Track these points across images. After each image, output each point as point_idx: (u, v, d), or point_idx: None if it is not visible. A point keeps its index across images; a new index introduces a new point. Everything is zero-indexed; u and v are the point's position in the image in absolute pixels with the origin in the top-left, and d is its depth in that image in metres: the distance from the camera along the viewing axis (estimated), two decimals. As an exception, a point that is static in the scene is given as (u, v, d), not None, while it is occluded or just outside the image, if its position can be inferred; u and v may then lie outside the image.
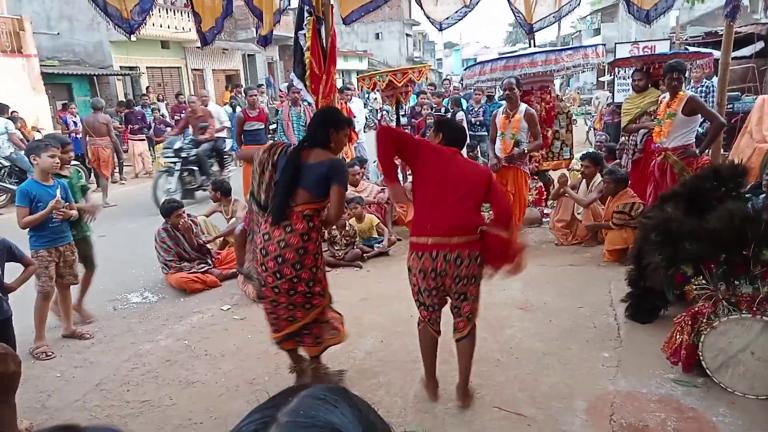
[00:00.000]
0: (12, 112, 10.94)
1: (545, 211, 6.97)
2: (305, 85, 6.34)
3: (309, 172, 2.98)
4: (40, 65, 14.07)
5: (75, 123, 11.36)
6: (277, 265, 2.96)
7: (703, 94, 8.05)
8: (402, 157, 3.09)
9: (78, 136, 11.32)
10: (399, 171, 7.42)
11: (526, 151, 5.81)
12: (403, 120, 9.32)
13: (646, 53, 10.01)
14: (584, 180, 6.29)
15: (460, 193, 2.85)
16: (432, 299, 2.93)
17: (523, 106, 5.75)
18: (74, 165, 10.75)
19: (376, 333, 4.11)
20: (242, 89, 10.81)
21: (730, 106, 8.39)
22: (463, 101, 11.15)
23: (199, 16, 4.51)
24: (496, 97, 9.78)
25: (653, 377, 3.25)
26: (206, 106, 9.70)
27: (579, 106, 20.66)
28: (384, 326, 4.20)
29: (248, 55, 23.18)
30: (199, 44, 5.28)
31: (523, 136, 5.77)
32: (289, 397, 0.64)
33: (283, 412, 0.61)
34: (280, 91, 18.54)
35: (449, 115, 10.01)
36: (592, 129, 13.49)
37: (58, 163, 4.01)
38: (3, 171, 9.86)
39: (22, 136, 10.28)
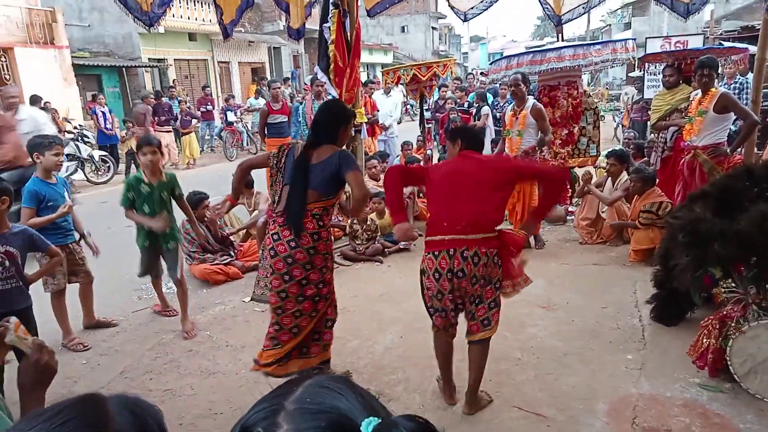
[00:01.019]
0: (45, 103, 11.20)
1: (570, 209, 6.87)
2: (329, 79, 6.35)
3: (316, 172, 2.95)
4: (71, 56, 14.35)
5: (103, 114, 11.55)
6: (287, 266, 2.94)
7: (736, 91, 7.84)
8: (413, 185, 3.09)
9: (108, 127, 11.56)
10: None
11: (535, 148, 5.60)
12: (427, 114, 9.27)
13: (678, 48, 9.75)
14: (610, 178, 6.18)
15: (474, 188, 2.81)
16: (446, 303, 2.84)
17: (530, 102, 5.58)
18: (102, 156, 10.98)
19: (396, 328, 4.10)
20: (266, 82, 10.83)
21: (766, 103, 8.14)
22: (489, 95, 11.05)
23: (221, 9, 4.53)
24: (509, 93, 9.68)
25: (678, 381, 3.18)
26: (14, 111, 6.27)
27: (607, 102, 20.31)
28: (404, 321, 4.19)
29: (274, 47, 23.28)
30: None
31: (531, 133, 5.57)
32: (294, 387, 0.65)
33: (290, 401, 0.62)
34: (305, 84, 18.60)
35: (474, 110, 9.94)
36: (620, 126, 13.26)
37: (61, 162, 4.02)
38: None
39: (54, 127, 10.52)
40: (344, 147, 3.23)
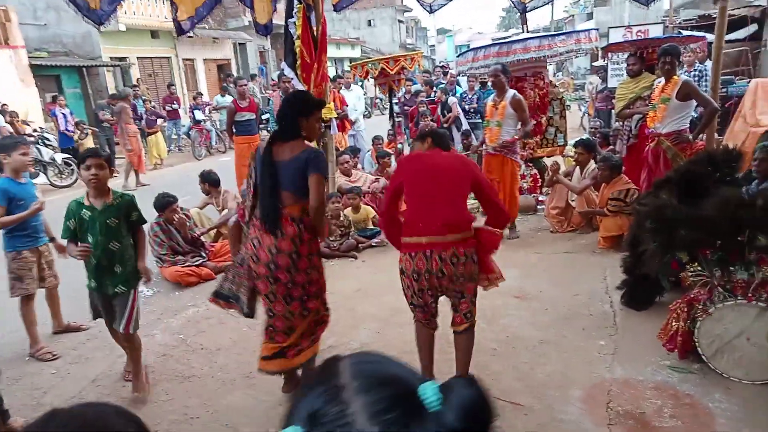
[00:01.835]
0: (2, 105, 10.82)
1: (540, 198, 6.96)
2: (296, 74, 6.27)
3: (286, 170, 2.83)
4: (28, 57, 13.88)
5: (64, 115, 11.22)
6: (270, 271, 2.88)
7: (696, 78, 8.03)
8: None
9: (70, 129, 11.23)
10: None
11: (516, 138, 5.62)
12: (396, 108, 9.26)
13: (639, 37, 9.95)
14: (578, 167, 6.28)
15: (447, 185, 2.83)
16: (426, 299, 2.88)
17: (510, 93, 5.59)
18: (65, 158, 10.73)
19: (372, 324, 4.10)
20: (233, 79, 10.67)
21: (724, 90, 8.39)
22: (458, 87, 11.10)
23: (175, 5, 4.41)
24: (489, 83, 9.73)
25: (649, 364, 3.26)
26: None
27: (573, 92, 20.62)
28: (379, 317, 4.19)
29: (239, 44, 22.91)
30: (189, 34, 5.19)
31: (510, 123, 5.55)
32: (337, 367, 0.63)
33: (347, 378, 0.60)
34: (272, 80, 18.38)
35: (440, 102, 9.95)
36: (586, 115, 13.48)
37: (30, 161, 3.90)
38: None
39: (12, 130, 10.18)
40: (314, 142, 3.18)
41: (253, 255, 2.92)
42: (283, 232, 2.85)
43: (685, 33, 11.13)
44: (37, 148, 10.27)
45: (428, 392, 0.57)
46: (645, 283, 3.82)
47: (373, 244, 5.96)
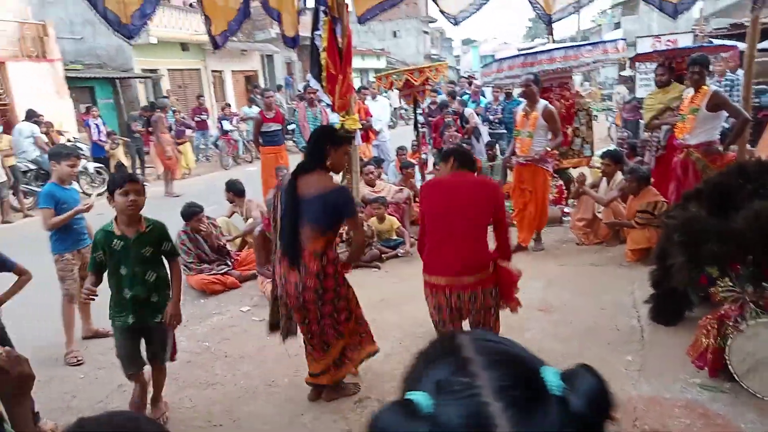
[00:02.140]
0: (39, 116, 11.18)
1: (566, 209, 6.88)
2: (321, 86, 6.35)
3: (310, 205, 2.89)
4: (64, 69, 14.33)
5: (97, 126, 11.53)
6: (299, 302, 2.99)
7: (727, 88, 7.87)
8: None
9: (102, 139, 11.54)
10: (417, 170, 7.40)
11: (549, 150, 5.60)
12: (420, 119, 9.28)
13: (668, 47, 9.81)
14: (605, 178, 6.19)
15: (466, 219, 2.86)
16: (448, 327, 2.98)
17: (542, 103, 5.59)
18: (97, 167, 11.05)
19: (395, 334, 4.09)
20: (259, 90, 10.87)
21: (757, 100, 8.19)
22: (482, 98, 11.08)
23: (209, 20, 4.50)
24: (514, 94, 9.69)
25: (678, 381, 3.18)
26: None
27: (600, 102, 20.37)
28: (403, 327, 4.18)
29: (267, 55, 23.29)
30: (220, 47, 5.27)
31: (541, 134, 5.55)
32: (458, 342, 0.63)
33: (471, 352, 0.60)
34: (298, 91, 18.61)
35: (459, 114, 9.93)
36: (613, 125, 13.30)
37: (76, 171, 4.13)
38: (29, 174, 10.07)
39: (47, 140, 10.51)
40: (339, 174, 3.24)
41: (282, 287, 3.03)
42: (307, 269, 2.91)
43: (716, 42, 10.92)
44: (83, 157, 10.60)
45: (550, 376, 0.58)
46: (673, 298, 3.74)
47: (399, 254, 5.96)
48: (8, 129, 10.84)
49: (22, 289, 3.15)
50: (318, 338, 3.09)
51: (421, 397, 0.56)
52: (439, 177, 3.20)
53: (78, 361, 4.05)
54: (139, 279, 2.97)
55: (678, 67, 6.23)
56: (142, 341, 3.14)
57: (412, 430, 0.53)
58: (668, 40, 11.02)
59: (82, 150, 11.40)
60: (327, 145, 2.98)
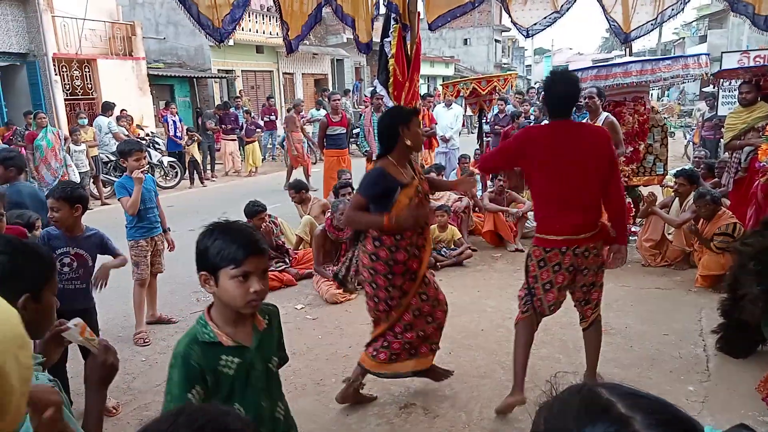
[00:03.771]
0: (122, 110, 11.89)
1: (633, 229, 6.60)
2: (388, 92, 6.40)
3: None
4: (147, 67, 15.18)
5: (174, 122, 12.12)
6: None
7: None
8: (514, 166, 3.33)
9: (178, 135, 12.12)
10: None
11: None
12: (486, 128, 9.18)
13: (757, 64, 9.22)
14: (677, 198, 5.89)
15: (582, 174, 2.86)
16: (548, 294, 2.99)
17: (603, 115, 5.42)
18: (170, 161, 11.60)
19: (445, 344, 4.03)
20: (327, 94, 11.11)
21: None
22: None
23: (287, 25, 4.66)
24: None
25: (744, 418, 2.97)
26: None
27: (678, 118, 19.45)
28: (453, 338, 4.13)
29: (337, 60, 23.76)
30: (292, 50, 5.42)
31: None
32: (603, 399, 0.62)
33: (626, 410, 0.59)
34: (365, 96, 18.84)
35: (534, 122, 9.75)
36: (690, 143, 12.67)
37: (143, 164, 4.36)
38: (109, 165, 10.72)
39: (128, 133, 11.16)
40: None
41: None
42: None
43: (812, 59, 10.17)
44: (147, 151, 11.17)
45: None
46: (744, 329, 3.51)
47: (455, 261, 5.93)
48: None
49: (118, 267, 3.58)
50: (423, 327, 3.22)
51: None
52: (538, 131, 3.46)
53: (145, 342, 4.28)
54: (267, 415, 1.73)
55: (765, 85, 5.85)
56: None
57: None
58: (757, 56, 10.35)
59: (158, 144, 12.05)
60: (399, 126, 2.97)
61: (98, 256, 3.42)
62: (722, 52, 11.78)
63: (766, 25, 5.03)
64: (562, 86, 2.94)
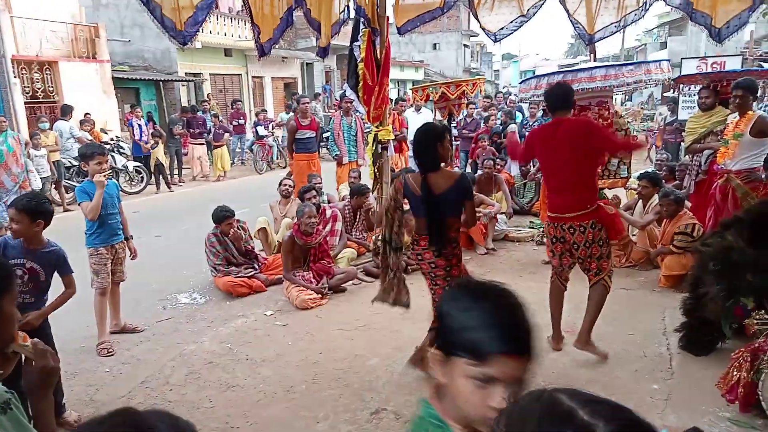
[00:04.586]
0: (85, 114, 11.58)
1: (598, 230, 6.73)
2: (357, 96, 6.40)
3: (445, 204, 3.34)
4: (112, 70, 14.84)
5: (140, 126, 11.87)
6: (433, 273, 3.53)
7: (776, 114, 7.62)
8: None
9: (144, 139, 11.86)
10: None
11: None
12: (455, 132, 9.25)
13: (714, 70, 9.55)
14: (641, 200, 6.04)
15: (568, 170, 3.53)
16: (559, 259, 3.76)
17: None
18: (136, 166, 11.35)
19: (417, 348, 4.05)
20: (296, 97, 10.99)
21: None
22: (518, 114, 10.99)
23: (258, 28, 4.62)
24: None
25: (706, 414, 3.06)
26: None
27: (641, 122, 19.95)
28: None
29: (306, 63, 23.64)
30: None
31: None
32: (563, 405, 0.63)
33: (587, 418, 0.61)
34: (336, 99, 18.80)
35: (501, 127, 9.89)
36: (653, 146, 13.01)
37: (104, 169, 4.22)
38: (72, 170, 10.43)
39: (91, 138, 10.87)
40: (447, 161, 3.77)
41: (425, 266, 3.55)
42: (445, 250, 3.42)
43: (767, 66, 10.59)
44: (112, 156, 10.90)
45: None
46: (706, 328, 3.61)
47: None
48: (56, 126, 11.29)
49: (65, 303, 3.19)
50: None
51: None
52: (539, 129, 4.22)
53: (109, 352, 4.14)
54: None
55: (723, 90, 6.04)
56: None
57: None
58: (715, 63, 10.72)
59: (123, 148, 11.78)
60: (437, 143, 3.33)
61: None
62: (682, 59, 12.17)
63: (721, 36, 5.22)
64: (556, 89, 3.79)
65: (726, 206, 4.68)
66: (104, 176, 4.15)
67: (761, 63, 12.69)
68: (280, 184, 6.92)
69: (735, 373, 3.03)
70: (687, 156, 6.28)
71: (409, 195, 3.46)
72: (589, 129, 3.56)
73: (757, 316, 3.09)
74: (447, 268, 3.48)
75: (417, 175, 3.43)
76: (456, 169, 8.11)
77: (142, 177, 11.50)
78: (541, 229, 6.93)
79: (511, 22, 5.94)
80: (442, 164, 3.39)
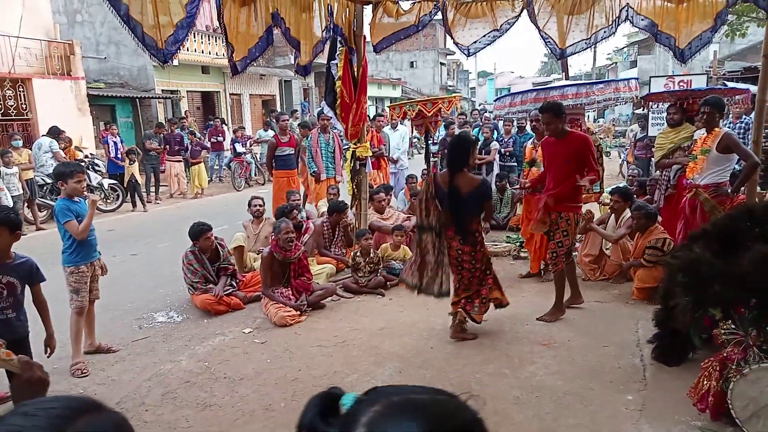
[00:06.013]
0: (61, 132, 11.42)
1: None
2: (335, 113, 6.46)
3: (469, 203, 4.18)
4: (87, 87, 14.69)
5: (115, 143, 11.73)
6: (461, 263, 4.38)
7: (742, 131, 7.88)
8: None
9: (119, 157, 11.70)
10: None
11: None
12: (433, 149, 9.35)
13: (681, 88, 9.86)
14: (613, 215, 6.18)
15: (552, 169, 4.68)
16: None
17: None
18: (111, 184, 11.17)
19: (395, 363, 4.07)
20: (275, 114, 10.97)
21: (768, 143, 8.16)
22: (495, 132, 11.16)
23: (232, 46, 4.64)
24: (527, 128, 9.77)
25: (679, 423, 3.12)
26: None
27: (613, 138, 20.42)
28: (403, 357, 4.16)
29: (285, 81, 23.73)
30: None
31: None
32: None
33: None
34: (312, 115, 18.87)
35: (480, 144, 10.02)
36: (625, 162, 13.31)
37: (84, 187, 4.21)
38: (45, 188, 10.25)
39: (65, 156, 10.71)
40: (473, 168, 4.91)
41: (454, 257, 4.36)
42: (469, 241, 4.29)
43: (730, 85, 10.96)
44: (87, 174, 10.74)
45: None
46: (677, 338, 3.70)
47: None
48: (29, 144, 11.10)
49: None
50: (467, 282, 4.42)
51: None
52: (546, 140, 4.97)
53: (83, 373, 4.06)
54: None
55: (690, 107, 6.25)
56: None
57: None
58: (681, 81, 11.06)
59: (98, 166, 11.62)
60: (470, 150, 4.20)
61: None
62: (651, 77, 12.52)
63: (684, 56, 5.42)
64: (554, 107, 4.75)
65: (695, 219, 4.81)
66: (95, 199, 4.15)
67: (725, 82, 13.13)
68: (249, 205, 6.77)
69: (705, 382, 3.11)
70: (657, 171, 6.45)
71: (437, 189, 4.18)
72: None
73: (725, 326, 3.17)
74: (472, 253, 4.30)
75: (444, 174, 4.24)
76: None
77: (118, 195, 11.35)
78: (518, 244, 7.03)
79: (484, 35, 6.08)
80: (465, 169, 4.19)
